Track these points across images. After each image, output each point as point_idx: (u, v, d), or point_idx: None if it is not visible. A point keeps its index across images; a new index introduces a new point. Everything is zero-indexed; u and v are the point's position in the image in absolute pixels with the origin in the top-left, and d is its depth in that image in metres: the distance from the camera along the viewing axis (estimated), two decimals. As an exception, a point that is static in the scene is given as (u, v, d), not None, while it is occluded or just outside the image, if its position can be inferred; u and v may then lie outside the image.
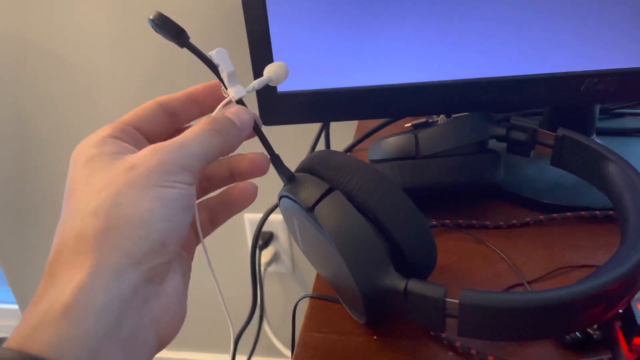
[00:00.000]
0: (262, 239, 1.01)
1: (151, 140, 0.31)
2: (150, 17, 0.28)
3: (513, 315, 0.29)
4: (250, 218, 1.00)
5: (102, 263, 0.23)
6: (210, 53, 0.30)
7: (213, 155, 0.28)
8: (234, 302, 1.03)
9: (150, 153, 0.26)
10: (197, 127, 0.28)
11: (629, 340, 0.30)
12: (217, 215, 0.34)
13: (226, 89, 0.30)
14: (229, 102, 0.30)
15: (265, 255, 1.03)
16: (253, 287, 0.80)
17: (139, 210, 0.25)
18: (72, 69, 0.91)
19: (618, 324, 0.31)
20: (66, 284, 0.23)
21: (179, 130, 0.32)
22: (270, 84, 0.32)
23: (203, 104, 0.33)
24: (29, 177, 1.05)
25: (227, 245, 1.03)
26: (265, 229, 1.02)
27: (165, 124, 0.32)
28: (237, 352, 0.95)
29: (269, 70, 0.32)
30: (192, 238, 0.33)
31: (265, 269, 1.04)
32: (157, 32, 0.28)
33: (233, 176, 0.33)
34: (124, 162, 0.26)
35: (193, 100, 0.32)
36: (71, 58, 0.90)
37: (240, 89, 0.30)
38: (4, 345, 0.22)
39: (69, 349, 0.22)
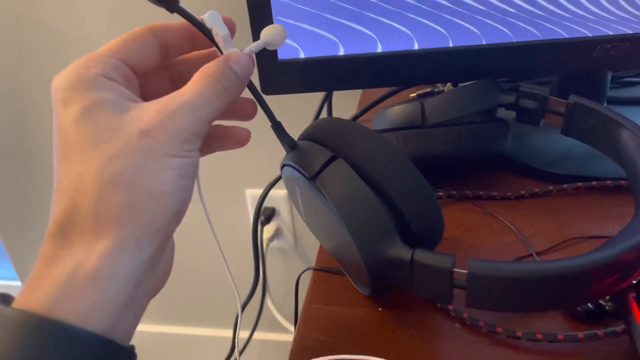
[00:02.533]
0: (264, 214, 1.01)
1: (138, 72, 0.28)
2: None
3: (524, 286, 0.28)
4: (251, 194, 0.99)
5: (125, 234, 0.23)
6: (201, 17, 0.28)
7: (219, 115, 0.27)
8: (236, 278, 1.03)
9: (164, 119, 0.25)
10: (204, 85, 0.26)
11: (643, 311, 0.29)
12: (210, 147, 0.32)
13: (222, 53, 0.28)
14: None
15: (268, 231, 1.03)
16: (255, 262, 0.80)
17: (159, 184, 0.24)
18: (70, 43, 0.90)
19: (632, 295, 0.30)
20: (89, 252, 0.23)
21: (168, 66, 0.31)
22: (268, 48, 0.30)
23: (198, 38, 0.30)
24: (29, 152, 1.04)
25: (229, 221, 1.02)
26: (267, 204, 1.01)
27: (156, 57, 0.29)
28: (240, 327, 0.96)
29: (266, 33, 0.30)
30: None
31: (267, 245, 1.04)
32: None
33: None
34: (132, 121, 0.24)
35: (189, 35, 0.30)
36: (69, 32, 0.89)
37: (238, 52, 0.29)
38: (20, 306, 0.22)
39: (94, 316, 0.22)
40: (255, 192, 0.99)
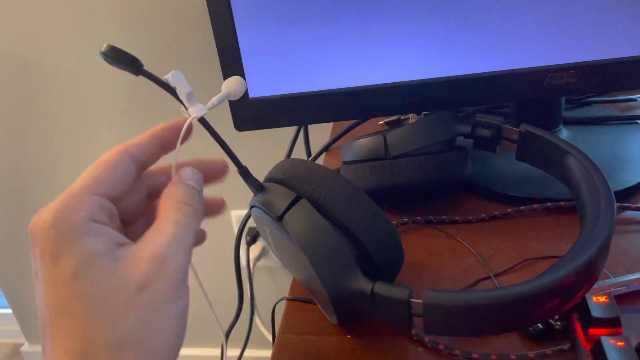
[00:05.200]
0: (250, 234, 1.03)
1: (118, 199, 0.28)
2: (102, 51, 0.29)
3: (474, 313, 0.30)
4: (237, 215, 1.01)
5: None
6: (165, 77, 0.30)
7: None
8: (226, 298, 1.05)
9: (157, 267, 0.25)
10: (179, 213, 0.27)
11: (585, 331, 0.32)
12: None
13: (187, 109, 0.31)
14: (192, 121, 0.31)
15: (254, 250, 1.05)
16: (238, 283, 0.82)
17: (164, 336, 0.25)
18: (49, 74, 0.91)
19: (575, 315, 0.33)
20: None
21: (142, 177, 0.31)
22: (230, 99, 0.33)
23: (166, 143, 0.31)
24: (21, 181, 1.05)
25: (216, 242, 1.04)
26: (252, 225, 1.03)
27: (133, 177, 0.29)
28: (229, 346, 0.97)
29: (226, 86, 0.33)
30: None
31: (254, 264, 1.06)
32: (110, 64, 0.29)
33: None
34: (128, 275, 0.25)
35: (160, 144, 0.31)
36: (47, 63, 0.90)
37: (201, 107, 0.31)
38: None
39: None
40: (240, 213, 1.01)
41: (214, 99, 0.32)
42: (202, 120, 0.32)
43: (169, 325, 0.25)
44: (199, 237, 0.33)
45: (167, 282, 0.25)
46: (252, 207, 0.37)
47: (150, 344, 0.24)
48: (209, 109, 0.32)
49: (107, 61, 0.29)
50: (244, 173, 0.35)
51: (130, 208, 0.30)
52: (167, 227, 0.27)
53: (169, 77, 0.31)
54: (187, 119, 0.31)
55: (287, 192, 0.35)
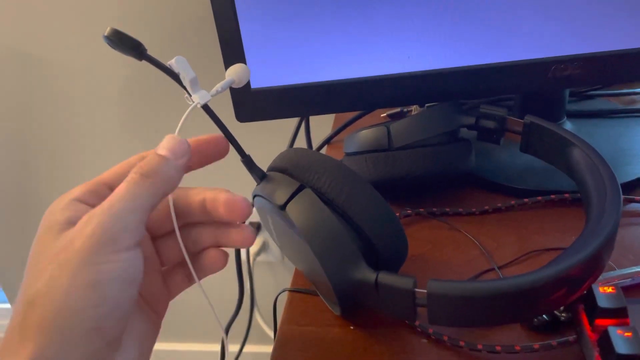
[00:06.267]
0: (250, 229, 1.02)
1: None
2: (105, 34, 0.28)
3: (479, 303, 0.30)
4: (237, 209, 1.01)
5: (39, 352, 0.24)
6: (169, 62, 0.30)
7: (151, 203, 0.27)
8: (226, 293, 1.04)
9: (82, 223, 0.25)
10: (125, 179, 0.27)
11: (591, 322, 0.32)
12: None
13: (190, 95, 0.31)
14: (195, 107, 0.31)
15: (254, 245, 1.04)
16: (239, 278, 0.82)
17: (70, 299, 0.24)
18: (50, 71, 0.91)
19: (581, 306, 0.33)
20: None
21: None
22: (233, 86, 0.33)
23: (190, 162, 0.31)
24: (20, 177, 1.05)
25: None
26: (252, 219, 1.03)
27: None
28: (229, 342, 0.97)
29: (230, 73, 0.33)
30: (161, 293, 0.33)
31: (254, 259, 1.05)
32: (113, 48, 0.29)
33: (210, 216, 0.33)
34: (64, 238, 0.25)
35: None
36: (47, 59, 0.90)
37: (205, 93, 0.31)
38: None
39: None
40: (240, 208, 1.00)
41: (218, 86, 0.32)
42: (206, 108, 0.32)
43: (79, 289, 0.24)
44: (217, 260, 0.34)
45: (87, 241, 0.24)
46: (254, 196, 0.37)
47: (55, 303, 0.24)
48: (212, 96, 0.31)
49: (110, 45, 0.29)
50: (247, 161, 0.34)
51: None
52: (107, 198, 0.27)
53: (172, 63, 0.30)
54: (214, 136, 0.32)
55: (291, 181, 0.34)
